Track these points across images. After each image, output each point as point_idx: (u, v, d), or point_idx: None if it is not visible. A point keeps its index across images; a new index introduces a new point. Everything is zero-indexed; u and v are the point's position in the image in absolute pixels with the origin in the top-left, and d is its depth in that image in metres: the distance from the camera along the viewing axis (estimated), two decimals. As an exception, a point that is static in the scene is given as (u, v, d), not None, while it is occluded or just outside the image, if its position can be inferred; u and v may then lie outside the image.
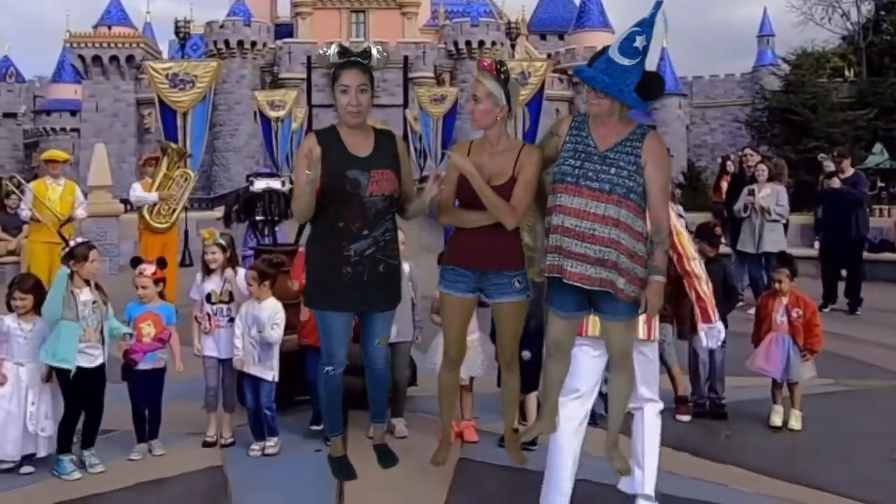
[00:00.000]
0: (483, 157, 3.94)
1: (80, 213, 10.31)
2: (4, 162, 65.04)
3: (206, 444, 5.57)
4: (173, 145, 11.70)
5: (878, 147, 35.97)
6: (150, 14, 67.77)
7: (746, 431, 5.96)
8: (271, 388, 5.49)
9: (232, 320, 5.60)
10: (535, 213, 4.06)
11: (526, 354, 4.90)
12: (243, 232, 10.21)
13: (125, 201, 15.54)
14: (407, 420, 5.87)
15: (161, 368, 5.48)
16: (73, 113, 62.43)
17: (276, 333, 5.41)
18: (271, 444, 5.46)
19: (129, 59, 58.38)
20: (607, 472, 4.27)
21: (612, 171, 3.72)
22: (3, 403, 5.13)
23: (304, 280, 4.27)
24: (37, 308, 5.25)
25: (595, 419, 5.95)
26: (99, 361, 5.19)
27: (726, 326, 6.32)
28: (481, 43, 56.46)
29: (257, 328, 5.40)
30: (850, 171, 11.36)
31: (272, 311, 5.44)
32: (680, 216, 7.04)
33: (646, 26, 3.71)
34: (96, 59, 58.38)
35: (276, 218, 9.13)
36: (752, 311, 8.95)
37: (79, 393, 5.16)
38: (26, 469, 5.16)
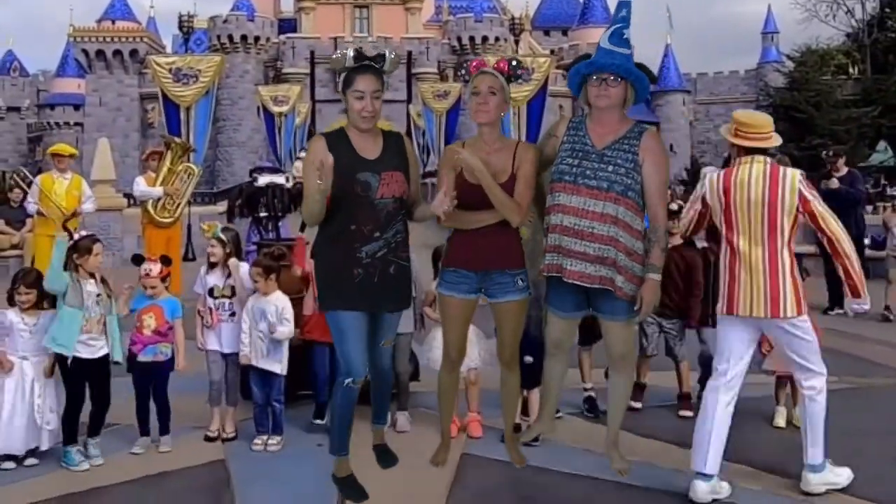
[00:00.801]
0: (480, 156, 3.92)
1: (88, 207, 10.32)
2: (8, 156, 65.10)
3: (207, 439, 5.59)
4: (177, 140, 11.70)
5: (882, 145, 35.92)
6: (153, 8, 67.82)
7: (750, 428, 5.95)
8: (280, 381, 5.51)
9: (234, 314, 5.61)
10: (534, 211, 4.06)
11: (528, 359, 4.90)
12: (246, 227, 10.21)
13: (128, 195, 15.58)
14: (409, 415, 5.87)
15: (162, 362, 5.46)
16: (77, 107, 62.43)
17: (286, 329, 5.42)
18: (274, 441, 5.47)
19: (133, 53, 58.37)
20: (603, 467, 4.26)
21: (610, 168, 3.72)
22: (9, 397, 5.15)
23: (306, 265, 4.27)
24: (40, 302, 5.26)
25: (597, 413, 5.99)
26: (101, 353, 5.20)
27: None
28: (485, 39, 56.40)
29: (266, 322, 5.42)
30: (844, 170, 11.22)
31: (280, 305, 5.44)
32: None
33: (627, 21, 3.85)
34: (100, 53, 58.38)
35: (280, 213, 9.13)
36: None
37: (80, 383, 5.17)
38: (31, 462, 5.18)
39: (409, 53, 34.03)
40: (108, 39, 58.56)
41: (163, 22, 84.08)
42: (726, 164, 14.61)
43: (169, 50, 59.47)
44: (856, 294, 4.53)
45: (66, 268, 5.11)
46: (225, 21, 56.65)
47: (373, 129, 3.95)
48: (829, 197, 10.94)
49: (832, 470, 4.72)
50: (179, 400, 5.70)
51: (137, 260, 5.73)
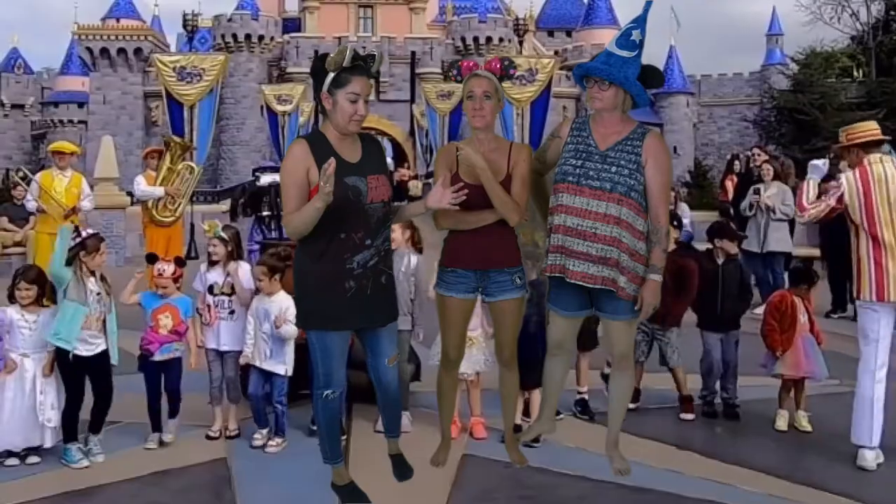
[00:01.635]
0: None
1: (86, 205, 10.31)
2: (12, 153, 65.17)
3: (209, 438, 5.60)
4: (176, 139, 11.71)
5: (886, 147, 35.79)
6: (157, 7, 67.87)
7: (753, 431, 5.95)
8: (283, 382, 5.50)
9: (233, 312, 5.62)
10: (530, 209, 4.06)
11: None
12: (249, 226, 10.23)
13: (131, 194, 15.57)
14: (410, 415, 5.87)
15: (176, 359, 5.51)
16: (81, 105, 62.48)
17: (291, 329, 5.38)
18: (275, 443, 5.47)
19: (137, 51, 58.37)
20: (603, 467, 4.25)
21: (613, 169, 3.73)
22: (9, 394, 5.17)
23: None
24: (40, 299, 5.27)
25: (591, 415, 6.00)
26: (99, 349, 5.21)
27: (739, 327, 6.32)
28: (489, 39, 56.36)
29: (269, 323, 5.42)
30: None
31: (284, 306, 5.41)
32: (680, 222, 7.00)
33: (640, 21, 3.82)
34: (104, 51, 58.37)
35: (282, 212, 9.12)
36: (759, 310, 8.95)
37: (79, 380, 5.20)
38: (33, 459, 5.19)
39: (413, 54, 33.95)
40: (113, 37, 58.53)
41: (167, 20, 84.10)
42: (729, 164, 14.53)
43: (173, 48, 59.48)
44: None
45: (69, 263, 5.12)
46: (229, 20, 56.63)
47: (355, 132, 3.79)
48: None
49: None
50: (182, 397, 5.71)
51: (152, 259, 5.74)
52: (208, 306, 5.63)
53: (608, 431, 4.17)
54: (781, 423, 5.96)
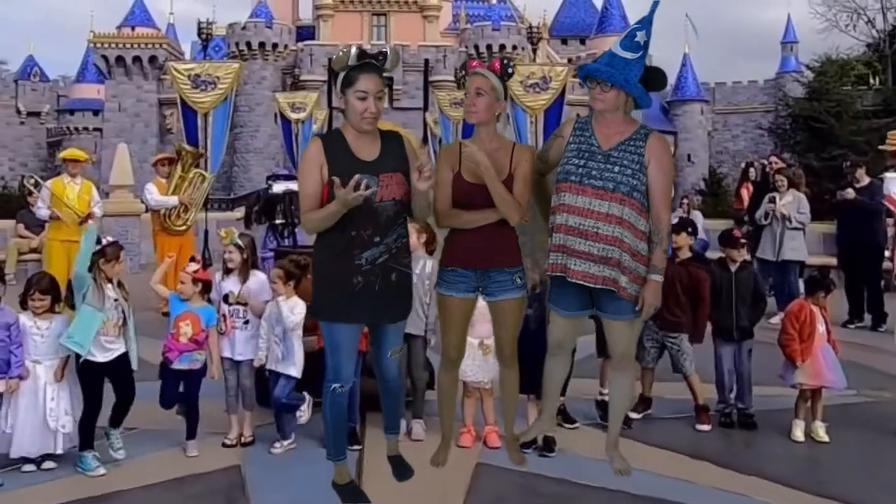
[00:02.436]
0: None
1: (97, 211, 10.40)
2: (28, 160, 65.60)
3: (225, 446, 5.61)
4: (187, 147, 11.76)
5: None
6: (172, 15, 68.27)
7: (769, 441, 5.91)
8: (291, 383, 5.49)
9: (247, 322, 5.64)
10: (531, 210, 4.05)
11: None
12: (263, 233, 10.26)
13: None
14: (425, 423, 5.86)
15: (197, 370, 5.50)
16: (96, 112, 62.85)
17: (294, 318, 5.42)
18: (279, 446, 5.50)
19: (152, 59, 58.74)
20: (620, 479, 4.22)
21: (616, 169, 3.73)
22: (22, 401, 5.18)
23: None
24: (53, 306, 5.29)
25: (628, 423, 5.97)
26: (118, 353, 5.24)
27: (753, 336, 6.28)
28: (502, 47, 56.39)
29: (282, 326, 5.44)
30: (865, 181, 10.84)
31: (293, 303, 5.47)
32: (696, 229, 6.96)
33: (645, 23, 3.82)
34: (119, 59, 58.75)
35: (296, 220, 9.16)
36: (774, 319, 8.90)
37: (96, 387, 5.22)
38: (47, 465, 5.21)
39: (427, 61, 33.94)
40: (128, 46, 58.91)
41: (182, 28, 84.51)
42: (744, 172, 14.43)
43: (188, 56, 59.67)
44: None
45: (88, 269, 5.14)
46: (243, 28, 56.92)
47: (372, 130, 3.81)
48: (847, 208, 10.87)
49: None
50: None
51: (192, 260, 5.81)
52: (223, 316, 5.65)
53: (609, 431, 4.17)
54: (798, 434, 5.91)
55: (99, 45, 58.94)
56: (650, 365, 6.35)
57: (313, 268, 3.92)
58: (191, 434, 5.50)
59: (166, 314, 5.80)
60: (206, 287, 5.68)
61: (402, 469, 4.14)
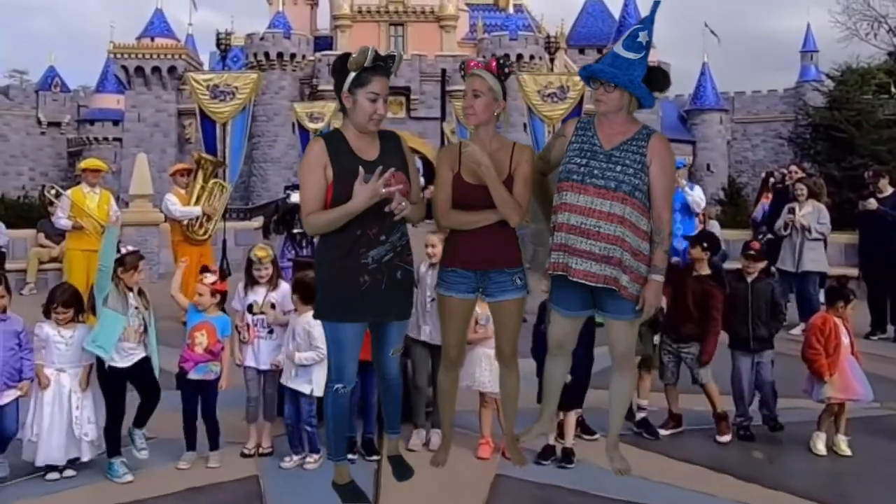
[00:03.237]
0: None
1: (116, 220, 10.47)
2: (48, 170, 66.22)
3: (244, 455, 5.61)
4: (207, 157, 11.82)
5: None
6: (191, 26, 68.80)
7: (790, 454, 5.84)
8: (310, 403, 5.46)
9: (272, 332, 5.64)
10: (532, 210, 4.04)
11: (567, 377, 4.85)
12: (280, 243, 10.27)
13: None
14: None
15: (212, 381, 5.51)
16: (116, 123, 63.38)
17: (309, 355, 5.38)
18: (311, 460, 5.47)
19: (171, 70, 59.21)
20: (642, 491, 4.19)
21: (618, 168, 3.72)
22: (47, 409, 5.22)
23: None
24: (76, 316, 5.32)
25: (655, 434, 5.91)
26: (138, 358, 5.26)
27: (773, 347, 6.21)
28: (519, 56, 56.39)
29: (294, 343, 5.43)
30: (888, 191, 10.66)
31: (308, 328, 5.37)
32: (718, 245, 6.89)
33: (647, 23, 3.82)
34: (139, 69, 59.28)
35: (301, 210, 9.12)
36: (795, 331, 8.82)
37: (118, 393, 5.25)
38: (69, 473, 5.24)
39: (444, 71, 33.99)
40: (147, 56, 59.45)
41: (201, 39, 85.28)
42: (764, 182, 14.29)
43: (206, 67, 60.16)
44: None
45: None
46: (262, 38, 57.26)
47: (373, 130, 3.83)
48: (869, 218, 10.73)
49: None
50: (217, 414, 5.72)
51: (203, 269, 5.82)
52: (247, 325, 5.65)
53: (609, 432, 4.15)
54: (820, 447, 5.83)
55: (119, 56, 59.48)
56: (671, 381, 6.30)
57: (317, 268, 3.89)
58: (213, 446, 5.51)
59: (185, 324, 5.81)
60: (223, 298, 5.69)
61: (402, 469, 4.14)
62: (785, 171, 12.58)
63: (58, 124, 69.08)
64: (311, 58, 57.86)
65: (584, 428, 5.94)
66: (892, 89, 47.21)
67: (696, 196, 10.47)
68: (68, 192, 10.61)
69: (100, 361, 5.23)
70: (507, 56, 54.54)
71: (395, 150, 3.86)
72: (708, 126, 62.63)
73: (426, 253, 5.60)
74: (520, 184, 3.85)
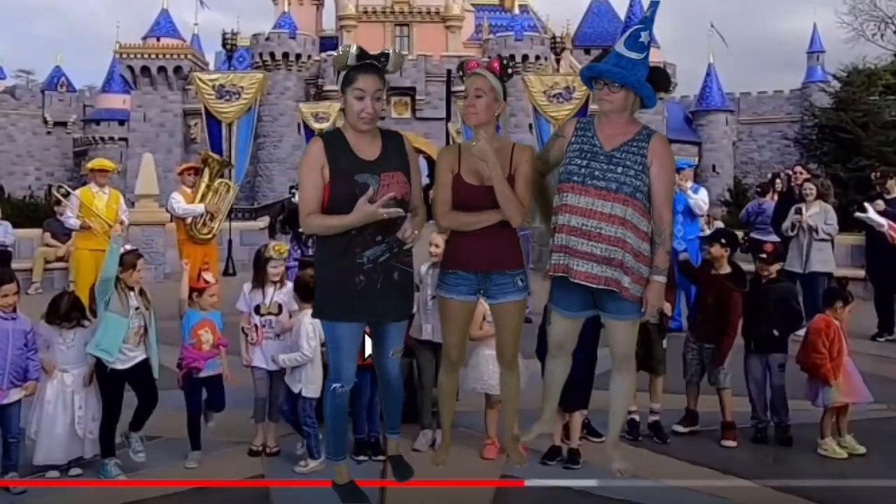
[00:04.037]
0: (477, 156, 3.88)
1: (125, 220, 10.49)
2: (54, 170, 66.31)
3: (252, 453, 5.61)
4: (213, 155, 11.83)
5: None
6: (197, 26, 68.83)
7: (798, 456, 5.81)
8: (306, 404, 5.42)
9: (279, 333, 5.62)
10: (532, 210, 4.03)
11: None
12: (286, 243, 10.26)
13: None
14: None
15: (219, 374, 5.56)
16: (122, 122, 63.45)
17: (292, 357, 5.40)
18: (314, 464, 5.43)
19: (177, 70, 59.31)
20: (650, 493, 4.17)
21: (619, 170, 3.72)
22: (49, 408, 5.22)
23: None
24: (79, 321, 5.33)
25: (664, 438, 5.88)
26: (138, 360, 5.26)
27: (787, 350, 6.14)
28: (525, 57, 56.31)
29: (288, 341, 5.45)
30: (895, 192, 10.65)
31: (302, 328, 5.38)
32: (736, 242, 6.82)
33: (648, 22, 3.83)
34: (145, 69, 59.39)
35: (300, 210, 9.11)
36: (800, 331, 8.77)
37: (116, 395, 5.25)
38: (74, 472, 5.25)
39: (449, 72, 33.91)
40: (153, 56, 59.55)
41: (206, 39, 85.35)
42: (770, 184, 14.21)
43: (212, 67, 60.19)
44: None
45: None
46: (267, 39, 57.29)
47: (371, 129, 3.81)
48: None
49: None
50: (220, 414, 5.72)
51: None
52: (255, 326, 5.63)
53: (609, 432, 4.15)
54: (826, 449, 5.77)
55: (125, 56, 59.60)
56: (694, 379, 6.25)
57: (316, 267, 3.91)
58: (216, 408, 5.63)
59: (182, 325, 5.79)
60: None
61: (401, 469, 4.14)
62: (790, 173, 12.54)
63: (64, 124, 69.16)
64: (317, 58, 57.87)
65: (590, 430, 5.92)
66: (899, 90, 46.96)
67: (700, 199, 10.43)
68: (77, 191, 10.63)
69: (99, 362, 5.22)
70: (511, 57, 54.57)
71: (397, 151, 3.84)
72: (714, 127, 62.49)
73: (430, 252, 5.59)
74: (521, 184, 3.84)
